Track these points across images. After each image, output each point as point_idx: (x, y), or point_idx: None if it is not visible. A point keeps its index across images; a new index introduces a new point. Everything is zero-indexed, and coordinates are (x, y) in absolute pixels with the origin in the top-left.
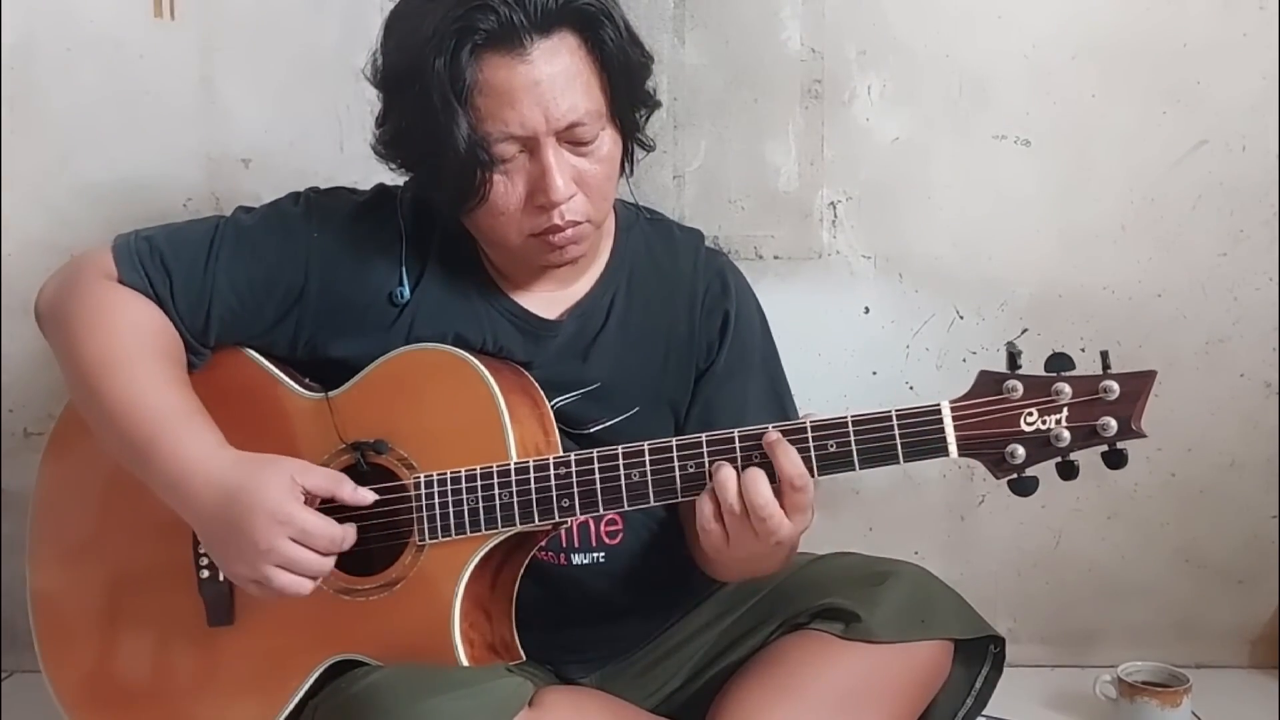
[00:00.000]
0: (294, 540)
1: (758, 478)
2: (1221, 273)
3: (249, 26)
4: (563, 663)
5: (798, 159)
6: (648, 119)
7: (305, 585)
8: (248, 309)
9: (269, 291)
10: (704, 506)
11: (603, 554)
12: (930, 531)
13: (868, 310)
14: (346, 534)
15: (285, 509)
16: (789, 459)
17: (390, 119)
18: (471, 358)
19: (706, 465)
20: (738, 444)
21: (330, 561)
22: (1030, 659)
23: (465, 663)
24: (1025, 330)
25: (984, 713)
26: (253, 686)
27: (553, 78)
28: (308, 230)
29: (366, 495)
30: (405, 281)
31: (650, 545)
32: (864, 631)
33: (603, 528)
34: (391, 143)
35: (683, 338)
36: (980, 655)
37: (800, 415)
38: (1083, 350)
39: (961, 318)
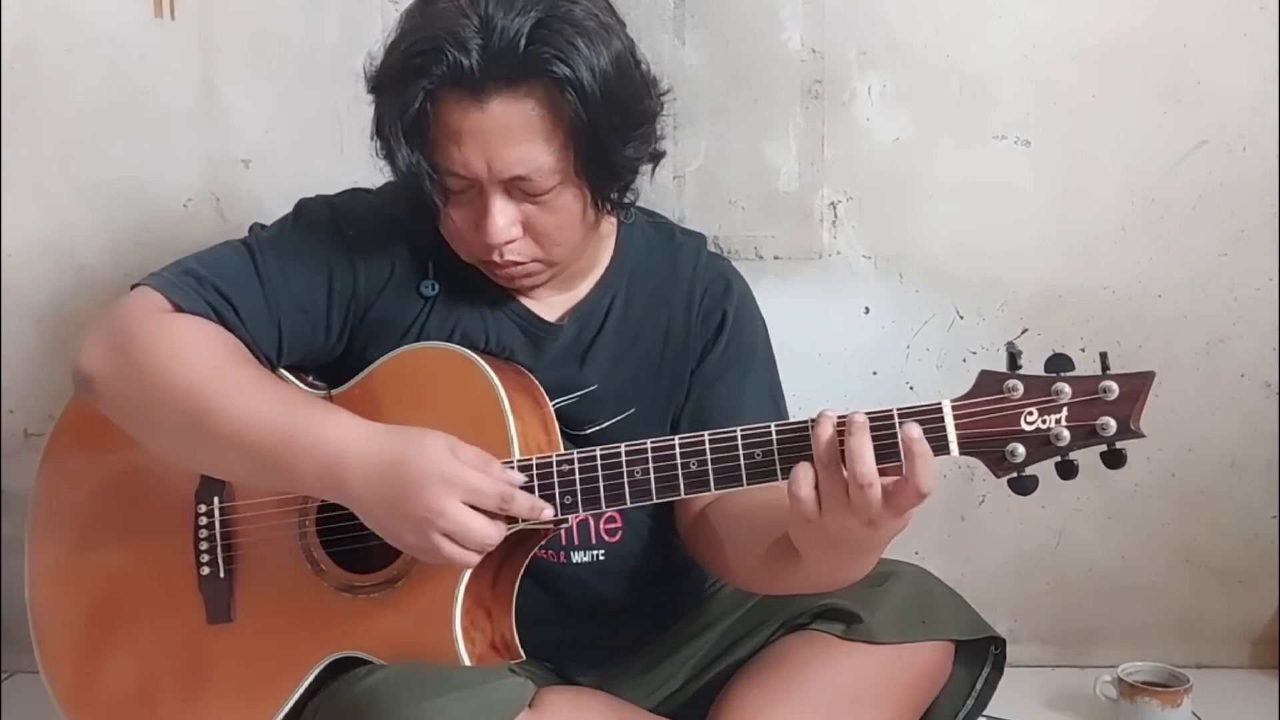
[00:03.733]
0: (465, 503)
1: (864, 442)
2: (1221, 273)
3: (249, 26)
4: (562, 661)
5: (798, 159)
6: (627, 185)
7: (473, 557)
8: (312, 318)
9: (328, 297)
10: (801, 473)
11: (602, 552)
12: (930, 531)
13: (868, 310)
14: (511, 493)
15: (453, 470)
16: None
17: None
18: (475, 355)
19: (710, 463)
20: (740, 442)
21: (499, 529)
22: (1030, 659)
23: (466, 660)
24: (1025, 330)
25: (984, 713)
26: (253, 684)
27: (505, 129)
28: (343, 231)
29: (516, 476)
30: (432, 274)
31: (650, 543)
32: (865, 632)
33: (602, 525)
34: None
35: (679, 338)
36: (981, 656)
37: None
38: (1083, 350)
39: (961, 318)
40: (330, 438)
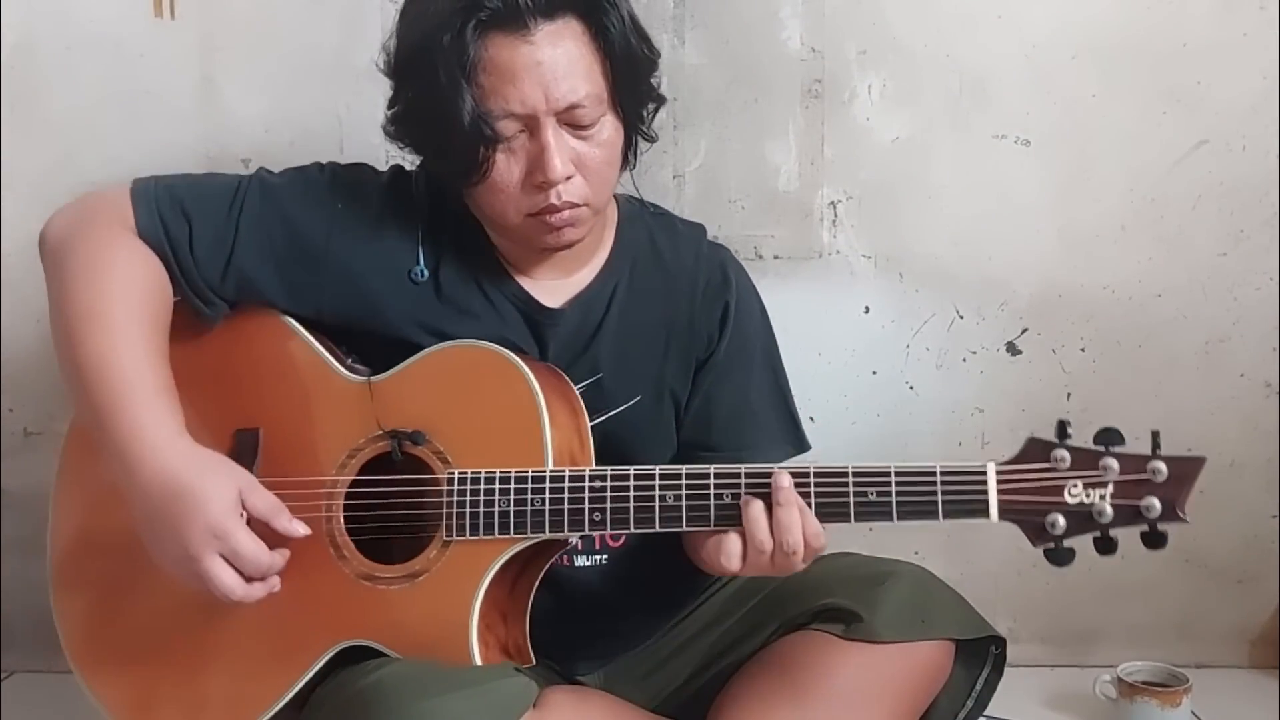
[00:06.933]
0: (223, 556)
1: (793, 515)
2: (1221, 273)
3: (249, 26)
4: (565, 662)
5: (798, 158)
6: (653, 115)
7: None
8: (267, 264)
9: (289, 251)
10: (733, 547)
11: (605, 555)
12: (930, 531)
13: (868, 310)
14: (274, 563)
15: (224, 524)
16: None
17: (400, 97)
18: (517, 359)
19: (743, 498)
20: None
21: (253, 591)
22: (1030, 659)
23: (479, 662)
24: (1025, 330)
25: (984, 713)
26: (262, 663)
27: (554, 59)
28: (333, 199)
29: (300, 528)
30: (422, 260)
31: (652, 548)
32: (865, 632)
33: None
34: (400, 120)
35: (683, 328)
36: (981, 656)
37: (799, 411)
38: (1083, 350)
39: (961, 318)
40: (141, 433)
